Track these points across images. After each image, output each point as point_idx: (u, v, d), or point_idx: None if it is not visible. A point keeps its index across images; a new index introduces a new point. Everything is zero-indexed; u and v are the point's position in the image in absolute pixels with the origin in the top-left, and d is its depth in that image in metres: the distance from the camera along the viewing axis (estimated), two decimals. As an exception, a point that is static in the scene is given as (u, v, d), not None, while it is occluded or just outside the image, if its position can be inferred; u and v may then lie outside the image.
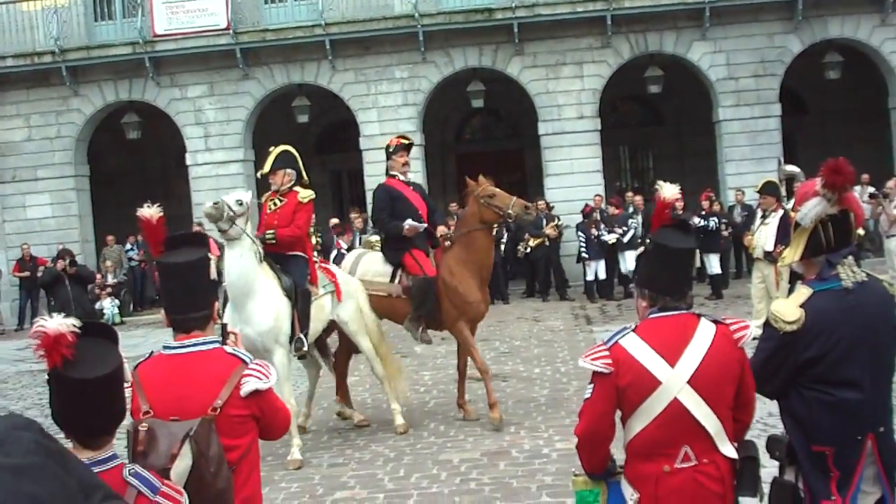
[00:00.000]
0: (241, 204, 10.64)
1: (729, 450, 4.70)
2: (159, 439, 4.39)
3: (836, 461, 5.01)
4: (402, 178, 12.88)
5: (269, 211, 11.87)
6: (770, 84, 28.81)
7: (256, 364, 4.71)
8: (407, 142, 13.18)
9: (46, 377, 3.90)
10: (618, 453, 4.87)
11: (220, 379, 4.59)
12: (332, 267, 13.16)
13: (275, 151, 12.00)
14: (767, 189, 17.16)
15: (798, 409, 5.10)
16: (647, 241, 5.03)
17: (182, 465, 4.36)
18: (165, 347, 4.78)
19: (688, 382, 4.58)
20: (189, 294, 4.79)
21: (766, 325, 5.12)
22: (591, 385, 4.75)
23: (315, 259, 12.45)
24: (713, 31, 28.71)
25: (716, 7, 28.25)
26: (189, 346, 4.71)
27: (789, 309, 5.01)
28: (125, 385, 4.01)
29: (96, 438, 3.87)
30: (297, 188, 11.95)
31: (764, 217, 17.16)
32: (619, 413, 4.78)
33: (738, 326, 4.80)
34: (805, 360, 4.99)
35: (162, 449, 4.38)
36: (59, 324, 3.78)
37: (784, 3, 28.31)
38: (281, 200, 11.82)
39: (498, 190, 12.27)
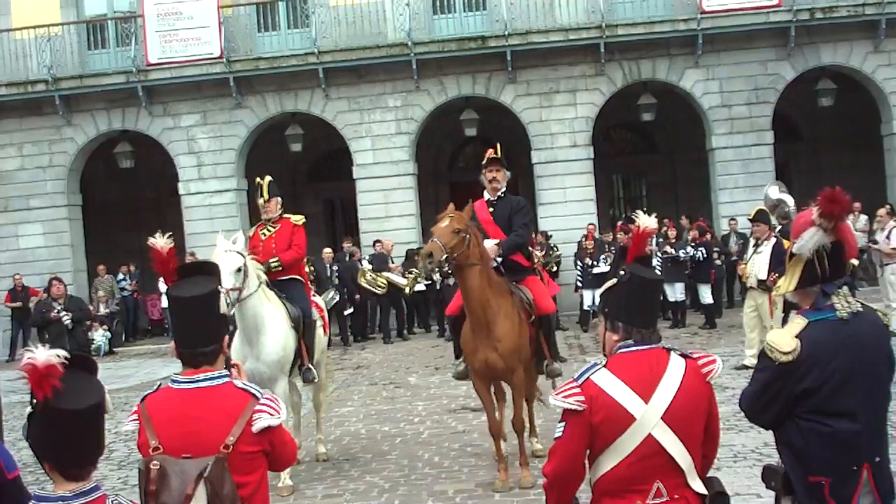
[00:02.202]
0: (239, 271, 10.74)
1: (699, 485, 4.67)
2: (171, 477, 4.35)
3: (833, 492, 4.95)
4: (489, 196, 11.57)
5: (263, 238, 12.10)
6: (763, 111, 28.86)
7: (267, 399, 4.62)
8: (493, 155, 11.62)
9: (30, 409, 3.86)
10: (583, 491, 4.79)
11: (232, 415, 4.49)
12: (317, 299, 13.29)
13: (266, 181, 12.22)
14: (760, 217, 17.26)
15: (794, 439, 5.05)
16: (622, 272, 4.94)
17: None
18: (174, 381, 4.67)
19: (662, 418, 4.54)
20: (198, 328, 4.69)
21: (762, 355, 5.07)
22: (563, 423, 4.65)
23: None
24: (706, 59, 28.77)
25: (708, 34, 28.31)
26: (199, 380, 4.59)
27: (785, 339, 4.95)
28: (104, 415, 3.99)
29: (82, 469, 3.86)
30: (286, 214, 12.38)
31: (757, 246, 17.22)
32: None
33: (706, 361, 4.78)
34: (800, 391, 4.94)
35: (174, 487, 4.33)
36: (48, 355, 3.77)
37: (777, 30, 28.38)
38: (274, 227, 12.07)
39: (443, 219, 10.26)
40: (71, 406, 3.79)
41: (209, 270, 5.07)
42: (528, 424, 11.68)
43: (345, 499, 10.90)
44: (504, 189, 11.54)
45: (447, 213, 10.27)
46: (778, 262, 16.87)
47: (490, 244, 10.80)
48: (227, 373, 4.72)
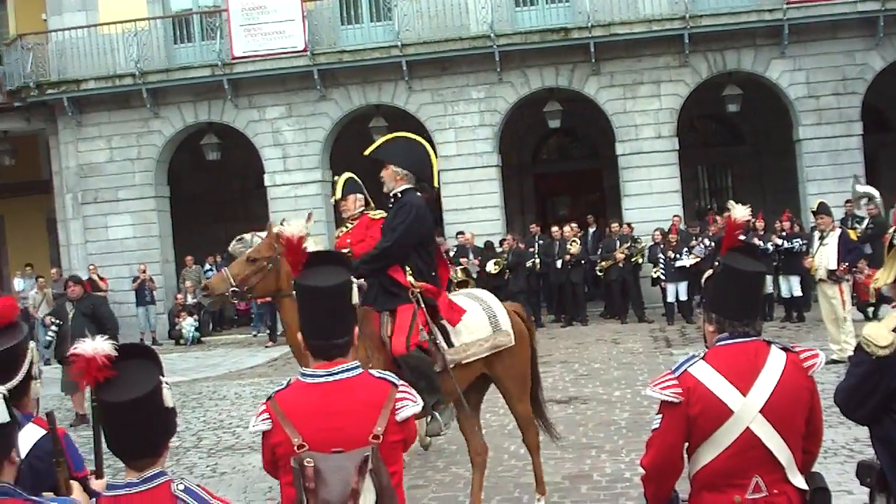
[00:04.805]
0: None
1: (799, 481, 4.61)
2: (325, 473, 4.24)
3: (930, 490, 4.89)
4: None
5: (338, 235, 11.95)
6: (851, 102, 28.43)
7: (404, 386, 4.52)
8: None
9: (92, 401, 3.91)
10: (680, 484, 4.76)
11: (376, 405, 4.38)
12: None
13: (342, 178, 11.91)
14: (822, 209, 17.61)
15: (891, 435, 4.99)
16: (717, 263, 4.89)
17: (368, 501, 4.25)
18: (306, 375, 4.48)
19: (760, 412, 4.49)
20: (333, 319, 4.52)
21: (858, 349, 5.02)
22: (660, 415, 4.63)
23: None
24: (792, 49, 28.41)
25: (794, 24, 27.95)
26: (337, 373, 4.44)
27: (881, 333, 4.89)
28: (166, 408, 3.93)
29: (139, 460, 3.86)
30: (367, 211, 11.86)
31: (822, 238, 17.41)
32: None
33: (808, 355, 4.69)
34: (898, 385, 4.88)
35: (333, 483, 4.23)
36: (93, 347, 3.79)
37: (865, 19, 27.94)
38: (352, 223, 11.84)
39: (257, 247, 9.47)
40: (112, 399, 3.79)
41: (339, 260, 4.94)
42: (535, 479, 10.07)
43: (431, 489, 10.96)
44: (398, 189, 9.38)
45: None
46: (846, 251, 16.98)
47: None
48: (359, 363, 4.60)
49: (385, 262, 9.00)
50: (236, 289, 9.05)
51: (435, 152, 10.00)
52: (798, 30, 28.16)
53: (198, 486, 3.96)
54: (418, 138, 9.73)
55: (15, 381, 4.40)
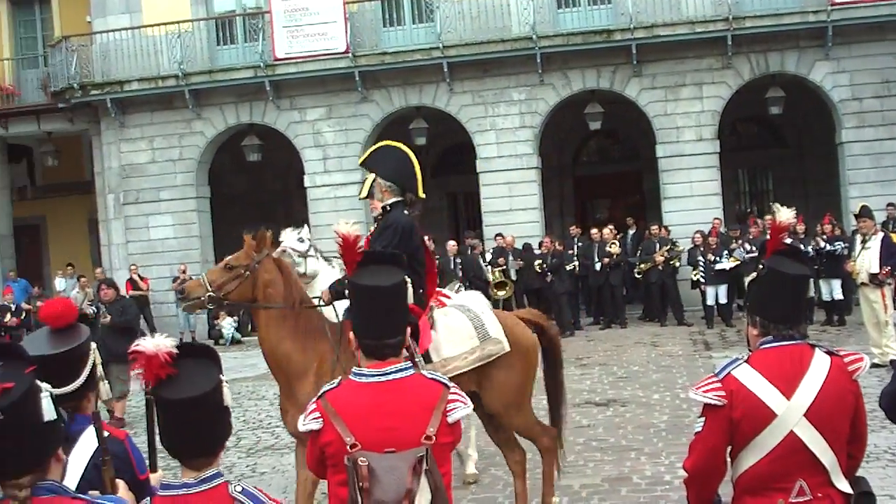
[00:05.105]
0: (301, 241, 10.47)
1: (844, 485, 4.55)
2: (379, 473, 4.22)
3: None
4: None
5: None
6: (894, 105, 28.17)
7: (455, 388, 4.50)
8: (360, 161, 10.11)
9: (145, 398, 3.92)
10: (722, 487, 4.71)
11: (428, 406, 4.36)
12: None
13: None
14: (864, 213, 17.54)
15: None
16: (761, 266, 4.86)
17: (424, 501, 4.24)
18: (359, 375, 4.46)
19: (804, 415, 4.45)
20: (387, 319, 4.50)
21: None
22: (703, 418, 4.60)
23: None
24: (836, 51, 28.19)
25: (838, 26, 27.74)
26: (389, 373, 4.41)
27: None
28: (224, 407, 3.96)
29: (195, 459, 3.86)
30: None
31: (864, 242, 17.36)
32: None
33: (852, 358, 4.64)
34: (944, 389, 4.83)
35: (387, 483, 4.21)
36: (155, 345, 3.82)
37: (909, 22, 27.73)
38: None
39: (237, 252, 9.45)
40: (170, 396, 3.81)
41: (394, 261, 4.87)
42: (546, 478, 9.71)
43: (470, 491, 10.95)
44: (387, 203, 9.28)
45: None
46: (888, 255, 16.90)
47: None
48: (412, 364, 4.61)
49: None
50: (213, 294, 9.01)
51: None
52: (842, 32, 27.96)
53: (255, 487, 3.97)
54: (401, 146, 9.53)
55: (77, 384, 4.43)
